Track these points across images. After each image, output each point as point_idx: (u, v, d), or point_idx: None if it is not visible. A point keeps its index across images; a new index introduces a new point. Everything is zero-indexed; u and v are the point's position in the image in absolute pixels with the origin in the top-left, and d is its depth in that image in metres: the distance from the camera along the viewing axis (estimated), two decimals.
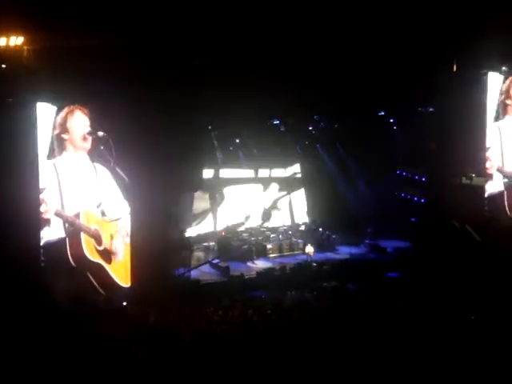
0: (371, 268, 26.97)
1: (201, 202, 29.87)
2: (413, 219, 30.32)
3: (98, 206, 22.76)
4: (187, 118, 25.95)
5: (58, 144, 22.52)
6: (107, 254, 22.54)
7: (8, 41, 21.66)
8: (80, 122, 22.40)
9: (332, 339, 19.20)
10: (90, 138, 22.31)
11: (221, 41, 25.58)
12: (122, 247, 23.01)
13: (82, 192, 22.72)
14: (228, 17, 25.27)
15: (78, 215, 21.94)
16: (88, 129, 22.21)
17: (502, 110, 29.36)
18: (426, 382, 16.98)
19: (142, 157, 23.25)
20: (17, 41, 21.74)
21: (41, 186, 21.67)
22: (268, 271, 26.87)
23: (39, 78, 22.14)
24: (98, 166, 22.73)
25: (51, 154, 22.22)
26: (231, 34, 25.59)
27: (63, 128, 22.36)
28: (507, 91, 29.09)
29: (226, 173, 30.61)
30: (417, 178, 31.32)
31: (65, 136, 22.35)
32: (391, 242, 29.83)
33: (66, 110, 22.38)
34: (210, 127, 28.91)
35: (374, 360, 17.83)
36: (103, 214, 22.82)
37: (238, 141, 30.19)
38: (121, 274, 23.03)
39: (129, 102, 23.13)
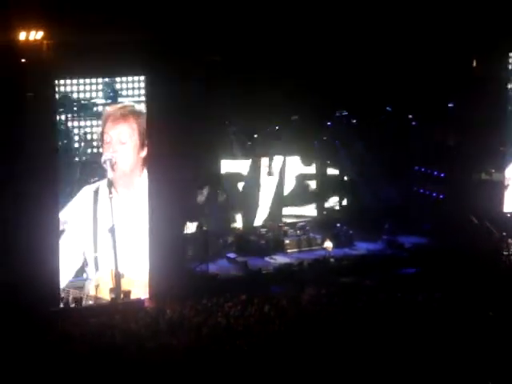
0: (389, 264, 26.89)
1: (217, 196, 29.79)
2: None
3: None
4: (205, 116, 25.99)
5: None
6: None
7: (28, 35, 21.70)
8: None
9: (348, 335, 19.20)
10: None
11: (241, 38, 25.62)
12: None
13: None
14: (249, 14, 25.34)
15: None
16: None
17: None
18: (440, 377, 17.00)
19: (160, 154, 23.35)
20: (36, 35, 21.77)
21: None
22: (286, 266, 26.85)
23: (59, 71, 22.26)
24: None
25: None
26: (252, 32, 25.66)
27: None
28: None
29: (241, 167, 30.44)
30: (435, 173, 31.15)
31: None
32: (409, 237, 29.69)
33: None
34: (227, 122, 28.85)
35: (386, 354, 17.86)
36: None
37: (255, 136, 30.06)
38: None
39: (147, 102, 23.32)
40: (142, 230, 23.37)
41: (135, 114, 23.00)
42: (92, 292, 22.77)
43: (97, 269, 23.02)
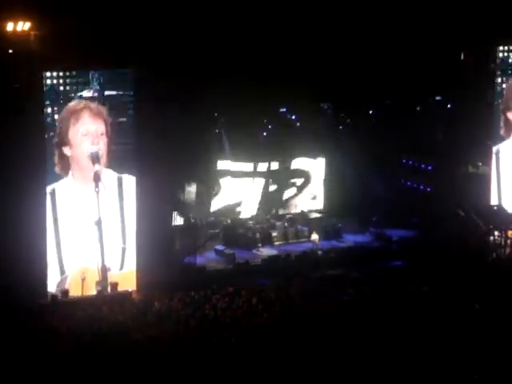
0: (376, 257, 26.97)
1: (204, 190, 29.77)
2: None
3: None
4: (194, 110, 25.97)
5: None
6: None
7: (15, 26, 21.61)
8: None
9: (335, 327, 19.25)
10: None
11: (232, 31, 25.62)
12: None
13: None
14: (236, 11, 25.34)
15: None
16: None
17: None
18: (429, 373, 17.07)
19: (146, 147, 23.32)
20: (24, 26, 21.68)
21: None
22: (273, 259, 26.89)
23: (46, 63, 22.17)
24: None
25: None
26: (242, 28, 25.67)
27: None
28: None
29: (231, 164, 30.42)
30: (423, 166, 31.23)
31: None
32: (396, 230, 29.77)
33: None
34: (216, 114, 28.84)
35: (373, 346, 17.93)
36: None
37: (245, 132, 30.04)
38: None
39: (134, 95, 23.23)
40: (117, 223, 23.40)
41: (103, 109, 22.92)
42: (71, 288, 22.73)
43: (62, 272, 22.85)
